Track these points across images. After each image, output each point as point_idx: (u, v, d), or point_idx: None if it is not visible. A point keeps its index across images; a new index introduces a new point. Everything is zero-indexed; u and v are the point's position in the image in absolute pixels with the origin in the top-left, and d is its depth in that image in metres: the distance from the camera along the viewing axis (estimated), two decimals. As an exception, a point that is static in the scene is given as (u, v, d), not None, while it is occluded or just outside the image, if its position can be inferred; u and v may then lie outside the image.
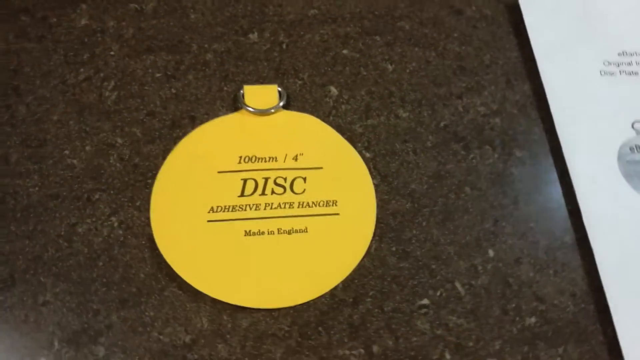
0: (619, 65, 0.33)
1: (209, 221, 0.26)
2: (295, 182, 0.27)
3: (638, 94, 0.32)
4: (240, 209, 0.26)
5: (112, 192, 0.27)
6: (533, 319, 0.26)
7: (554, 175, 0.30)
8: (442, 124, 0.30)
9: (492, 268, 0.27)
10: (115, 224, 0.26)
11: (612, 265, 0.27)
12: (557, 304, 0.26)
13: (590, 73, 0.32)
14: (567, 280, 0.27)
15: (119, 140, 0.29)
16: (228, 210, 0.26)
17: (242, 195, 0.27)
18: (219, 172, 0.27)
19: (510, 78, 0.33)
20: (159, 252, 0.25)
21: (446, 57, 0.33)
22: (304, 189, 0.27)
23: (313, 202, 0.27)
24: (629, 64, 0.33)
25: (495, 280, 0.27)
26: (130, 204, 0.27)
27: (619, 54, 0.33)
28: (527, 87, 0.32)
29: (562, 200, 0.29)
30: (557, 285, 0.27)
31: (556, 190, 0.29)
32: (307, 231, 0.26)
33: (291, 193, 0.27)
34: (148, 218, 0.26)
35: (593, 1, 0.35)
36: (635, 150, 0.30)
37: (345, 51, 0.32)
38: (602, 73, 0.33)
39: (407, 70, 0.32)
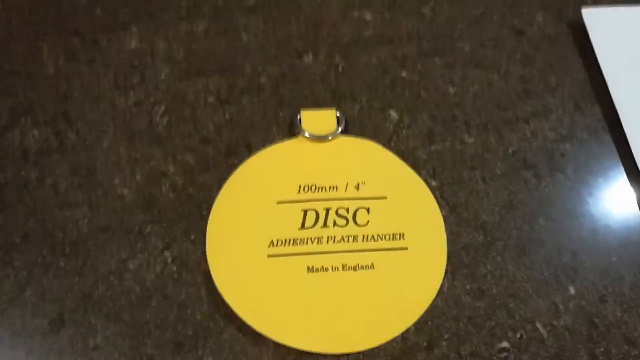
0: (696, 86, 0.31)
1: (269, 256, 0.24)
2: (358, 213, 0.25)
3: None
4: (302, 243, 0.24)
5: (164, 224, 0.26)
6: (625, 365, 0.24)
7: (633, 204, 0.27)
8: (510, 150, 0.29)
9: (575, 307, 0.25)
10: (169, 260, 0.25)
11: None
12: (649, 348, 0.24)
13: (665, 94, 0.30)
14: (658, 322, 0.25)
15: (171, 169, 0.27)
16: (289, 244, 0.24)
17: (302, 227, 0.25)
18: (278, 202, 0.25)
19: (579, 101, 0.31)
20: (217, 290, 0.23)
21: (509, 79, 0.31)
22: (368, 221, 0.25)
23: (378, 235, 0.25)
24: None
25: (580, 321, 0.24)
26: (184, 238, 0.25)
27: (695, 74, 0.31)
28: (597, 109, 0.30)
29: (645, 232, 0.27)
30: (648, 327, 0.24)
31: (636, 220, 0.27)
32: (373, 267, 0.24)
33: (354, 225, 0.25)
34: (204, 253, 0.24)
35: (663, 19, 0.33)
36: None
37: (404, 73, 0.31)
38: (678, 93, 0.30)
39: (470, 93, 0.30)
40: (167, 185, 0.27)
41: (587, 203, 0.27)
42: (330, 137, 0.27)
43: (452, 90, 0.30)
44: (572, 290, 0.25)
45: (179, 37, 0.31)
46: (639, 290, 0.25)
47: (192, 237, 0.25)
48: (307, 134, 0.27)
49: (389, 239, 0.25)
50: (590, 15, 0.33)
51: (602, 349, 0.24)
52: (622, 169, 0.29)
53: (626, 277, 0.26)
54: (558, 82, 0.31)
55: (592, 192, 0.28)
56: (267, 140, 0.28)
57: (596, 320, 0.24)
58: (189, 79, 0.30)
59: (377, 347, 0.23)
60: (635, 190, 0.28)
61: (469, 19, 0.33)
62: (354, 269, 0.24)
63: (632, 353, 0.24)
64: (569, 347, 0.24)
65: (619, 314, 0.25)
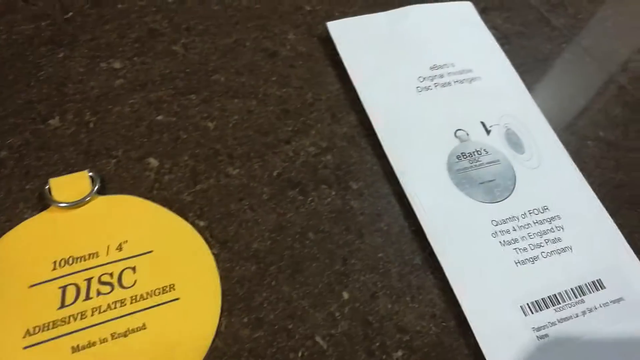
0: (432, 79, 0.34)
1: (25, 347, 0.22)
2: (123, 275, 0.25)
3: (454, 103, 0.33)
4: (63, 323, 0.23)
5: None
6: (400, 353, 0.25)
7: (392, 200, 0.30)
8: (275, 173, 0.30)
9: (350, 311, 0.26)
10: None
11: (461, 276, 0.27)
12: (419, 329, 0.26)
13: (408, 92, 0.33)
14: (425, 303, 0.27)
15: None
16: (48, 329, 0.23)
17: (62, 306, 0.24)
18: (30, 286, 0.24)
19: (335, 112, 0.33)
20: (-28, 398, 0.21)
21: (268, 103, 0.32)
22: (135, 280, 0.25)
23: (147, 293, 0.24)
24: (441, 76, 0.34)
25: (355, 323, 0.26)
26: None
27: (430, 68, 0.34)
28: (353, 117, 0.32)
29: (404, 223, 0.29)
30: (416, 310, 0.27)
31: (398, 214, 0.29)
32: (146, 327, 0.24)
33: (120, 289, 0.24)
34: (-48, 361, 0.22)
35: (398, 22, 0.36)
36: (462, 158, 0.31)
37: (160, 117, 0.30)
38: (419, 89, 0.33)
39: (230, 125, 0.31)
40: None
41: (352, 207, 0.29)
42: (84, 201, 0.26)
43: (211, 125, 0.31)
44: (345, 295, 0.27)
45: None
46: (406, 279, 0.27)
47: (-57, 345, 0.23)
48: (59, 204, 0.26)
49: (159, 293, 0.25)
50: (335, 28, 0.35)
51: (378, 344, 0.25)
52: (380, 170, 0.31)
53: (392, 270, 0.28)
54: (314, 97, 0.33)
55: (354, 196, 0.29)
56: (13, 220, 0.26)
57: (370, 318, 0.26)
58: None
59: (159, 409, 0.23)
60: (392, 188, 0.30)
61: (222, 50, 0.34)
62: (125, 334, 0.23)
63: (404, 339, 0.26)
64: (347, 351, 0.25)
65: (389, 306, 0.27)
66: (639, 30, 0.41)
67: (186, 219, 0.27)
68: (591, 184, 0.32)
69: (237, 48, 0.34)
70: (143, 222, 0.26)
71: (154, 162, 0.29)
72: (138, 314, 0.24)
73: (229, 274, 0.26)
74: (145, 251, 0.26)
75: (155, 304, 0.24)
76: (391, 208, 0.29)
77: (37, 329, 0.23)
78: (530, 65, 0.37)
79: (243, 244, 0.27)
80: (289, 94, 0.33)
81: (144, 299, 0.24)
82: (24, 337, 0.23)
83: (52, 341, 0.23)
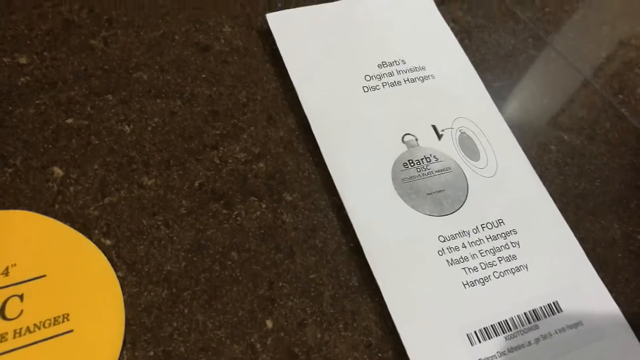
0: (380, 78, 0.31)
1: None
2: (7, 305, 0.21)
3: (403, 104, 0.30)
4: None
5: None
6: (327, 390, 0.22)
7: (330, 214, 0.27)
8: (196, 184, 0.26)
9: (273, 341, 0.23)
10: None
11: (401, 300, 0.24)
12: (351, 363, 0.23)
13: (353, 92, 0.30)
14: (359, 331, 0.24)
15: None
16: None
17: None
18: None
19: (272, 113, 0.29)
20: None
21: (195, 103, 0.29)
22: (21, 310, 0.21)
23: (35, 325, 0.21)
24: (390, 74, 0.31)
25: (279, 356, 0.23)
26: None
27: (378, 66, 0.31)
28: (291, 119, 0.29)
29: (342, 239, 0.26)
30: (350, 339, 0.24)
31: (334, 229, 0.26)
32: (29, 366, 0.20)
33: (2, 321, 0.21)
34: None
35: (345, 15, 0.33)
36: (409, 165, 0.28)
37: (69, 120, 0.27)
38: (366, 89, 0.30)
39: (149, 128, 0.28)
40: None
41: (283, 222, 0.26)
42: (-30, 218, 0.23)
43: (128, 129, 0.27)
44: (269, 323, 0.24)
45: None
46: (339, 304, 0.24)
47: None
48: (-62, 220, 0.23)
49: (49, 325, 0.21)
50: (275, 20, 0.32)
51: (303, 380, 0.23)
52: (318, 178, 0.28)
53: (325, 293, 0.25)
54: (249, 96, 0.30)
55: (288, 209, 0.26)
56: None
57: (295, 350, 0.23)
58: None
59: None
60: (330, 199, 0.27)
61: (147, 44, 0.30)
62: (5, 375, 0.20)
63: (333, 375, 0.23)
64: (267, 389, 0.22)
65: (319, 335, 0.24)
66: (610, 24, 0.38)
67: (90, 237, 0.24)
68: (552, 193, 0.29)
69: (164, 42, 0.31)
70: (37, 241, 0.23)
71: (58, 171, 0.25)
72: (22, 350, 0.21)
73: (136, 301, 0.23)
74: (37, 276, 0.22)
75: (44, 337, 0.21)
76: (328, 222, 0.26)
77: None
78: (491, 63, 0.34)
79: (154, 266, 0.24)
80: (220, 93, 0.29)
81: (30, 332, 0.21)
82: None
83: None
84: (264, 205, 0.26)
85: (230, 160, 0.27)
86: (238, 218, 0.26)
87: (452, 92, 0.31)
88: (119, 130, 0.27)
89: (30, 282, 0.22)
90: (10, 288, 0.22)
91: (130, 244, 0.24)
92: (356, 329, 0.24)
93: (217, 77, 0.30)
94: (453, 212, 0.27)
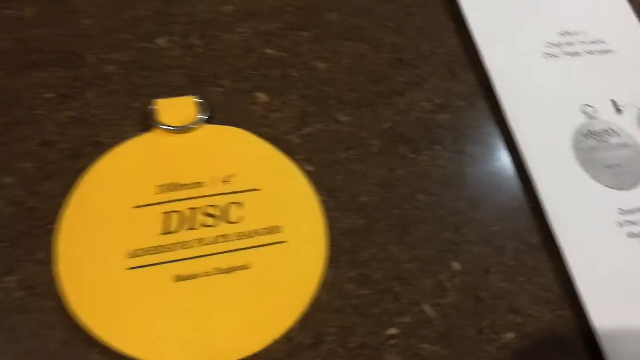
0: (560, 46, 0.31)
1: (129, 268, 0.21)
2: (230, 209, 0.23)
3: (582, 75, 0.30)
4: (166, 250, 0.22)
5: (5, 244, 0.22)
6: (511, 335, 0.23)
7: (511, 171, 0.27)
8: (385, 126, 0.27)
9: (461, 283, 0.24)
10: (13, 285, 0.21)
11: (582, 264, 0.25)
12: (532, 314, 0.24)
13: (533, 57, 0.30)
14: (539, 286, 0.25)
15: (9, 180, 0.23)
16: (151, 253, 0.22)
17: (165, 232, 0.22)
18: (134, 207, 0.22)
19: (453, 68, 0.30)
20: (72, 313, 0.20)
21: (381, 49, 0.30)
22: (242, 216, 0.23)
23: (254, 231, 0.23)
24: (570, 44, 0.31)
25: (465, 297, 0.24)
26: (29, 258, 0.22)
27: (560, 34, 0.31)
28: (472, 76, 0.30)
29: (523, 198, 0.27)
30: (531, 293, 0.24)
31: (516, 187, 0.27)
32: (250, 267, 0.22)
33: (226, 223, 0.23)
34: (54, 273, 0.21)
35: (526, -20, 0.33)
36: (589, 136, 0.28)
37: (270, 50, 0.28)
38: (545, 55, 0.31)
39: (341, 68, 0.29)
40: (4, 199, 0.23)
41: (466, 174, 0.27)
42: (190, 128, 0.25)
43: (323, 66, 0.28)
44: (456, 265, 0.24)
45: (3, 24, 0.26)
46: (521, 258, 0.25)
47: (39, 257, 0.22)
48: (164, 126, 0.24)
49: (265, 233, 0.23)
50: (458, -21, 0.32)
51: (488, 322, 0.23)
52: (499, 136, 0.28)
53: (507, 246, 0.25)
54: (431, 49, 0.30)
55: (470, 162, 0.27)
56: (118, 136, 0.24)
57: (481, 294, 0.24)
58: (21, 73, 0.25)
59: (259, 352, 0.21)
60: (512, 157, 0.28)
61: (337, -12, 0.31)
62: (228, 271, 0.22)
63: (516, 321, 0.24)
64: (455, 325, 0.23)
65: (502, 284, 0.24)
66: None
67: (293, 161, 0.25)
68: None
69: (352, -12, 0.31)
70: (251, 157, 0.25)
71: (262, 96, 0.27)
72: (243, 251, 0.22)
73: (335, 225, 0.24)
74: (253, 188, 0.24)
75: (261, 244, 0.23)
76: (509, 180, 0.27)
77: (140, 252, 0.22)
78: (664, 46, 0.33)
79: (350, 196, 0.25)
80: (404, 42, 0.30)
81: (249, 237, 0.23)
82: (128, 258, 0.21)
83: (155, 266, 0.21)
84: (447, 155, 0.27)
85: (415, 108, 0.28)
86: (423, 164, 0.27)
87: (632, 69, 0.31)
88: (314, 66, 0.28)
89: (248, 192, 0.24)
90: (230, 195, 0.23)
91: (329, 173, 0.25)
92: (537, 284, 0.25)
93: (400, 27, 0.31)
94: (633, 188, 0.27)
